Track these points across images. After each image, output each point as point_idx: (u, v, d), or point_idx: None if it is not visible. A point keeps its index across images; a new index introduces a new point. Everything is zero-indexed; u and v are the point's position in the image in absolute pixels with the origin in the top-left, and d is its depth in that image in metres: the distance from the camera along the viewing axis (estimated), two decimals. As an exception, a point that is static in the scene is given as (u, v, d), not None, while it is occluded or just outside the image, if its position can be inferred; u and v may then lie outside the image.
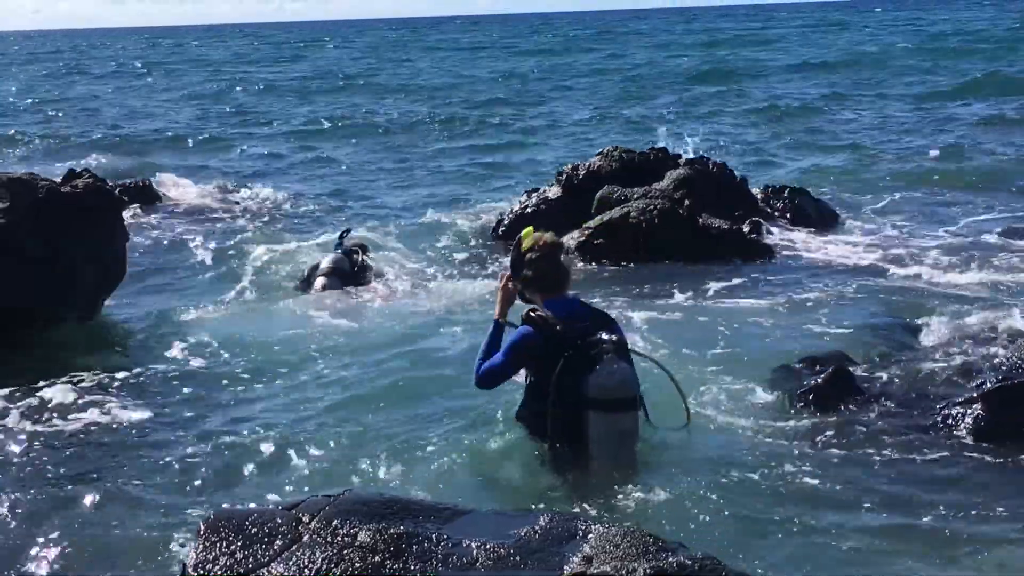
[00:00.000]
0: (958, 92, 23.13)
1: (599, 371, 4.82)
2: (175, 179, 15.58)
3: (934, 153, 16.32)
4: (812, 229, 11.19)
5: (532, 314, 5.03)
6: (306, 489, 4.77)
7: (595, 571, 2.85)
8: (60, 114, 28.71)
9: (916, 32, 47.15)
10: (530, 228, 5.41)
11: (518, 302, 5.39)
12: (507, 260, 5.66)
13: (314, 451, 5.52)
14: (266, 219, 13.25)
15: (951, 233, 10.91)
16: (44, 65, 57.65)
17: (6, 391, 6.50)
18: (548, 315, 5.00)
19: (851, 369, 6.27)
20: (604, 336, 4.90)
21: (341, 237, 10.10)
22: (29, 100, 33.29)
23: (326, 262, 9.40)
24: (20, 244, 7.62)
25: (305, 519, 3.13)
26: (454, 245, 11.23)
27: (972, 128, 18.57)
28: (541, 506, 4.37)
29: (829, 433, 5.52)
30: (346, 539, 3.02)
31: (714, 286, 8.98)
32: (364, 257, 9.82)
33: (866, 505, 4.70)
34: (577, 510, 4.43)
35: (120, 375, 6.89)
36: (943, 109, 21.23)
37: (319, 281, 9.21)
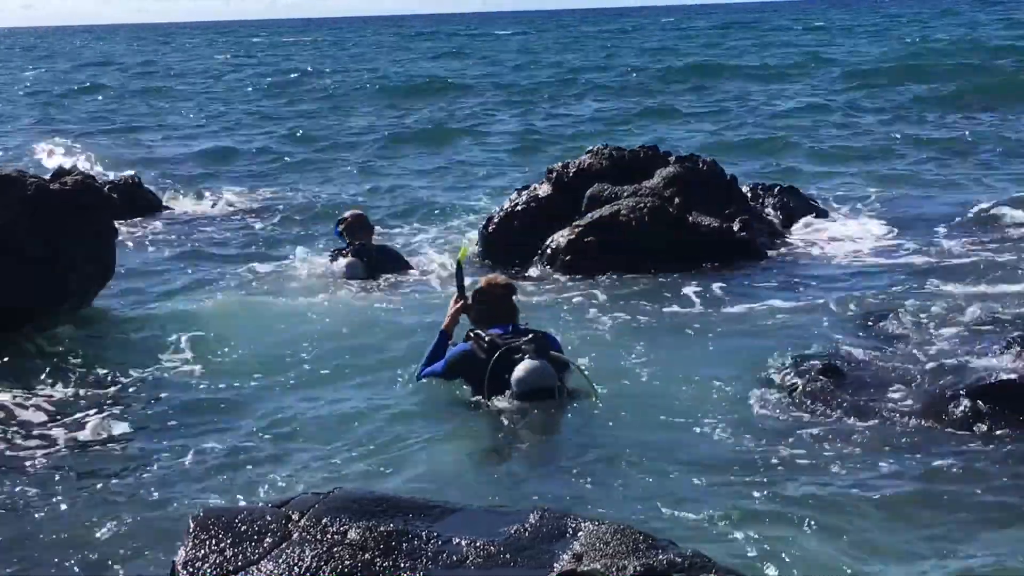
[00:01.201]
0: (956, 91, 23.14)
1: (518, 368, 5.75)
2: (164, 181, 15.53)
3: (927, 152, 16.35)
4: (802, 227, 11.21)
5: (471, 333, 6.07)
6: (296, 487, 4.77)
7: (585, 568, 2.85)
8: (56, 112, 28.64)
9: (910, 33, 47.22)
10: (464, 248, 6.71)
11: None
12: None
13: (304, 449, 5.53)
14: (262, 222, 13.16)
15: (944, 231, 10.91)
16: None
17: (4, 390, 6.49)
18: (483, 332, 5.98)
19: (842, 365, 6.29)
20: (523, 339, 5.86)
21: (338, 224, 10.08)
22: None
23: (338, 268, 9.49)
24: (20, 244, 7.60)
25: (295, 517, 3.12)
26: (445, 243, 11.21)
27: (967, 129, 18.57)
28: (532, 501, 4.37)
29: (819, 429, 5.54)
30: (336, 537, 3.02)
31: (703, 284, 8.99)
32: (373, 245, 9.79)
33: (856, 500, 4.71)
34: (567, 507, 4.43)
35: (116, 375, 6.90)
36: (938, 109, 21.23)
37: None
